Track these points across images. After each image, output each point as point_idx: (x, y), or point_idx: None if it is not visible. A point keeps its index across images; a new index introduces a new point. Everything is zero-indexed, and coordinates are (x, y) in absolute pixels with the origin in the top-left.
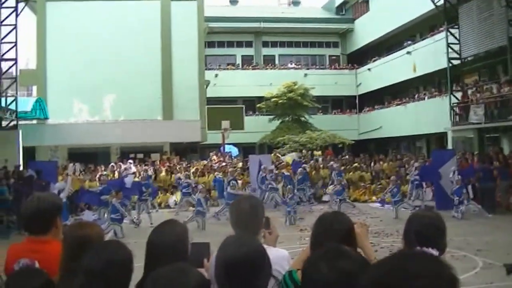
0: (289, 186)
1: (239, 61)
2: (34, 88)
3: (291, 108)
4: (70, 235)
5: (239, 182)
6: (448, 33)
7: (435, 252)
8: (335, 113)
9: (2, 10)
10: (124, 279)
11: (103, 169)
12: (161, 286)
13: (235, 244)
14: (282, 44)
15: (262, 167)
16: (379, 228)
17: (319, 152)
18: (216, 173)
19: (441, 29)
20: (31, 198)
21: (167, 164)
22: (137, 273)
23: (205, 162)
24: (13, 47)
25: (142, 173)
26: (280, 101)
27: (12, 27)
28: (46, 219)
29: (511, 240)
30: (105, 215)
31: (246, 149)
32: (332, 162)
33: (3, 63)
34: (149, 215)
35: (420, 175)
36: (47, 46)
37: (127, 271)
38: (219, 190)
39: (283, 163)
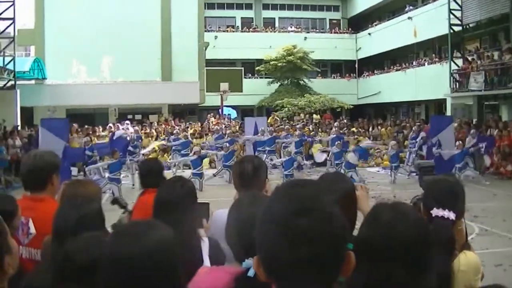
0: (287, 149)
1: (238, 23)
2: (32, 48)
3: (290, 71)
4: (68, 192)
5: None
6: None
7: (452, 215)
8: (334, 77)
9: None
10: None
11: (101, 130)
12: (122, 237)
13: (249, 203)
14: (282, 7)
15: (260, 129)
16: (376, 192)
17: (318, 116)
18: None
19: None
20: (28, 155)
21: (164, 125)
22: None
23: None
24: (10, 6)
25: (132, 134)
26: (279, 64)
27: None
28: (41, 176)
29: (507, 207)
30: (106, 175)
31: (244, 112)
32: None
33: (0, 23)
34: (132, 176)
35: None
36: (45, 5)
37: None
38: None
39: (281, 127)
